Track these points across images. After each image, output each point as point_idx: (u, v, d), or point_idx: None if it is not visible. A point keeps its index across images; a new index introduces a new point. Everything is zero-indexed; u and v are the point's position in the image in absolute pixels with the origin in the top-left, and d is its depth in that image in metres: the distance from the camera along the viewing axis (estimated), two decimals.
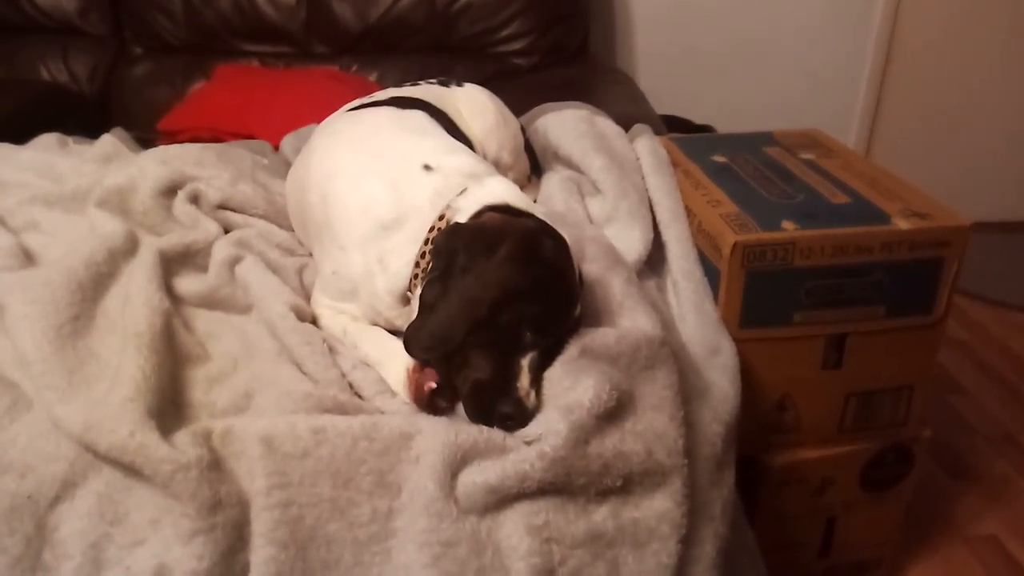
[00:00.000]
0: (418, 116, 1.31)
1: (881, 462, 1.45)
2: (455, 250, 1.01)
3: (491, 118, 1.48)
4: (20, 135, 1.67)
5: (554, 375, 1.00)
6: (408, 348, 1.01)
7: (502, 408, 0.96)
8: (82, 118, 2.20)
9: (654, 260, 1.37)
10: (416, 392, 1.02)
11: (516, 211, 1.09)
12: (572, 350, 1.00)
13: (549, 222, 1.08)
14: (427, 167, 1.15)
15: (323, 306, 1.20)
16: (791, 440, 1.39)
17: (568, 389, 0.97)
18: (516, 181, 1.52)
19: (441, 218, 1.10)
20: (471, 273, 0.99)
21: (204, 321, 1.16)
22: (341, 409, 1.00)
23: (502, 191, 1.12)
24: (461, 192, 1.11)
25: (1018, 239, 3.07)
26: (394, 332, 1.17)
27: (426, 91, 1.48)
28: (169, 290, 1.15)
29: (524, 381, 0.98)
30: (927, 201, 1.34)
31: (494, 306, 0.97)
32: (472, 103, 1.50)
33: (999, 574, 1.72)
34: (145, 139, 1.84)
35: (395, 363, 1.08)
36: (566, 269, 1.04)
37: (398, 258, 1.12)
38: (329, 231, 1.20)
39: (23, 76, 2.38)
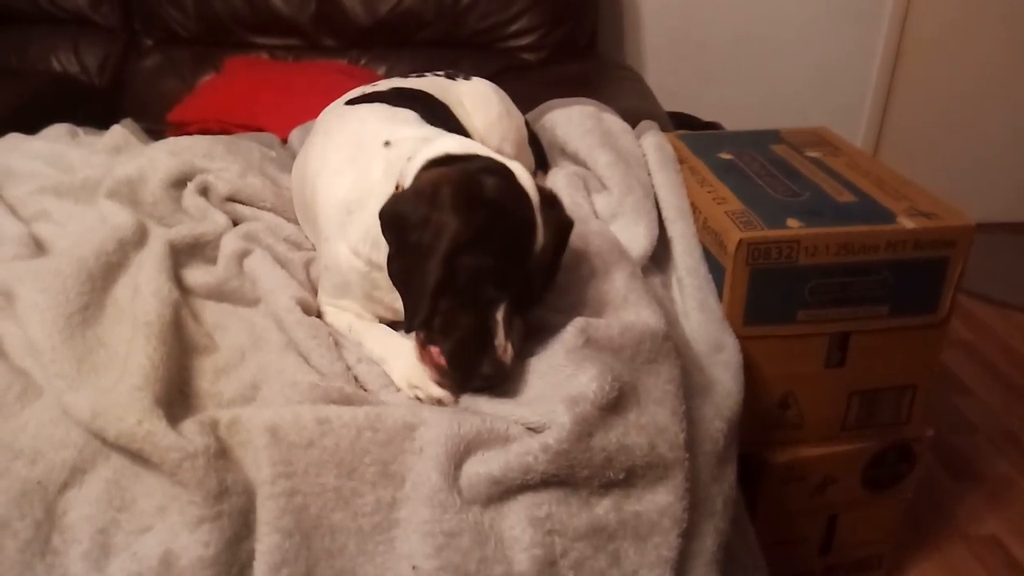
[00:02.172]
0: (407, 115, 1.30)
1: (883, 461, 1.45)
2: (400, 218, 1.01)
3: (494, 111, 1.49)
4: (31, 125, 1.69)
5: (557, 361, 1.01)
6: (409, 329, 1.04)
7: (483, 369, 0.99)
8: (92, 109, 2.22)
9: (659, 256, 1.37)
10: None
11: (457, 157, 1.06)
12: (576, 339, 1.01)
13: (500, 159, 1.05)
14: (387, 143, 1.16)
15: (327, 303, 1.22)
16: (793, 437, 1.40)
17: (571, 376, 0.98)
18: None
19: (397, 188, 1.09)
20: (418, 235, 0.98)
21: (212, 312, 1.17)
22: (346, 400, 1.01)
23: (447, 144, 1.09)
24: (409, 158, 1.10)
25: None
26: (398, 319, 1.18)
27: (430, 83, 1.49)
28: (178, 281, 1.17)
29: (500, 337, 0.99)
30: (933, 201, 1.34)
31: (445, 262, 0.97)
32: (476, 96, 1.51)
33: (999, 574, 1.72)
34: (155, 130, 1.85)
35: (399, 360, 1.09)
36: (514, 205, 1.01)
37: (371, 241, 1.11)
38: (318, 225, 1.23)
39: (35, 67, 2.40)
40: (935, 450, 1.99)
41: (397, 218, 1.01)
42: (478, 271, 0.98)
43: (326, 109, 1.44)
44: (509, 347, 1.00)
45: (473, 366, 0.99)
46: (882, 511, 1.53)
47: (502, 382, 1.01)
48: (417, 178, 1.05)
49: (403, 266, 1.02)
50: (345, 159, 1.21)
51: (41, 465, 0.92)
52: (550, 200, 1.09)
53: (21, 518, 0.89)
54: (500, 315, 0.99)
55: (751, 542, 1.19)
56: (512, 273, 1.00)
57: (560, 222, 1.08)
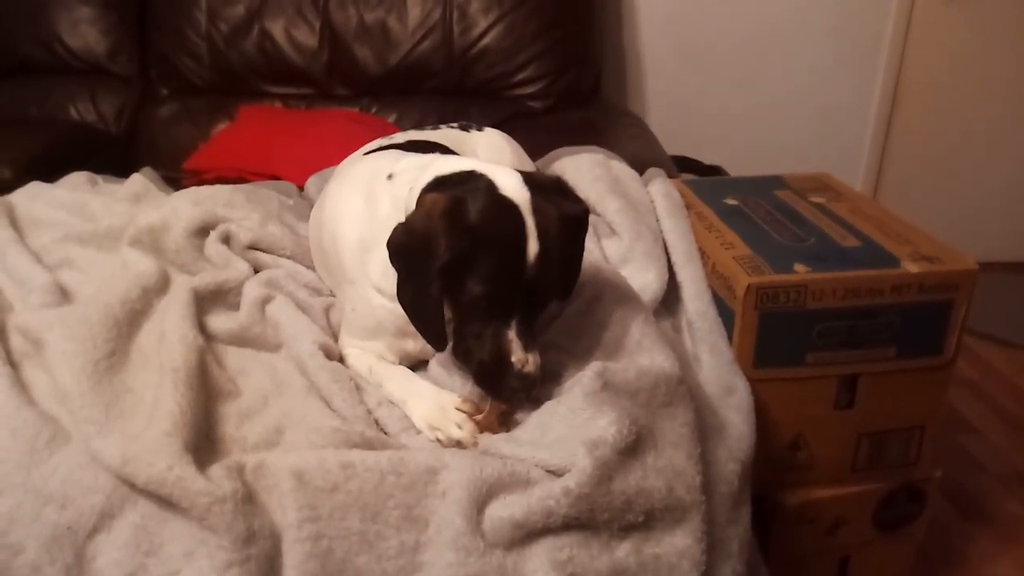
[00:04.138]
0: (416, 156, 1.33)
1: (893, 502, 1.46)
2: (402, 246, 1.06)
3: (507, 160, 1.53)
4: (50, 173, 1.73)
5: (575, 404, 1.03)
6: (438, 350, 1.12)
7: (510, 384, 1.05)
8: (109, 157, 2.27)
9: (669, 301, 1.40)
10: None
11: (448, 179, 1.08)
12: (594, 382, 1.03)
13: (487, 170, 1.07)
14: (389, 176, 1.21)
15: (349, 346, 1.24)
16: (804, 479, 1.41)
17: (589, 419, 1.00)
18: None
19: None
20: (417, 261, 1.03)
21: (235, 358, 1.19)
22: (368, 444, 1.03)
23: (439, 167, 1.12)
24: (411, 188, 1.13)
25: None
26: (425, 355, 1.22)
27: (444, 135, 1.54)
28: (201, 327, 1.19)
29: (518, 354, 1.03)
30: (935, 244, 1.37)
31: (445, 289, 1.02)
32: (490, 147, 1.56)
33: None
34: (171, 178, 1.89)
35: (419, 402, 1.11)
36: (498, 224, 1.02)
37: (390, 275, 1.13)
38: (340, 269, 1.27)
39: (53, 116, 2.45)
40: (944, 490, 1.99)
41: (399, 247, 1.06)
42: (474, 296, 1.03)
43: (344, 161, 1.48)
44: (530, 358, 1.04)
45: (499, 387, 1.06)
46: (894, 552, 1.53)
47: (533, 389, 1.07)
48: (417, 206, 1.09)
49: (410, 293, 1.07)
50: (358, 200, 1.26)
51: (71, 510, 0.94)
52: (554, 189, 1.10)
53: (51, 563, 0.91)
54: (512, 332, 1.04)
55: None
56: (511, 288, 1.03)
57: (563, 216, 1.06)
